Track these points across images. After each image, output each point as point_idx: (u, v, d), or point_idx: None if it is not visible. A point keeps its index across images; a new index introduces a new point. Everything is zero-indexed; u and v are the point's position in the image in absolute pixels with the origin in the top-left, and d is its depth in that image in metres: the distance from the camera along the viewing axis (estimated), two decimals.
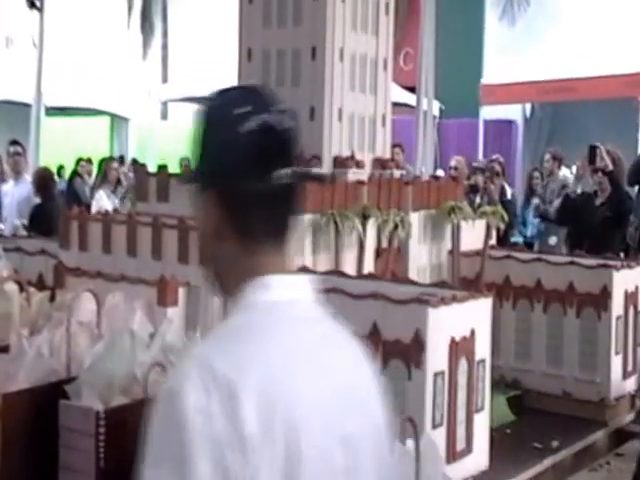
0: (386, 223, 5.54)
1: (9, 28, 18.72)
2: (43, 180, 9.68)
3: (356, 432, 1.67)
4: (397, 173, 6.09)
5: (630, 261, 5.95)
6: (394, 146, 8.28)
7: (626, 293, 5.65)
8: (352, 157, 5.73)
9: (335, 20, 5.64)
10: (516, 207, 10.98)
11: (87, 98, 17.55)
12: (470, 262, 6.04)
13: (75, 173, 13.89)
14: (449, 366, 4.14)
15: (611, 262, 5.73)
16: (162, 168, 5.64)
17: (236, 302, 1.70)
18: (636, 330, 5.80)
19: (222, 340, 1.65)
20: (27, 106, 13.76)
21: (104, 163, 12.47)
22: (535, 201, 11.23)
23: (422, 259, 5.97)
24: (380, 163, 5.98)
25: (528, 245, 9.96)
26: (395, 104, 7.48)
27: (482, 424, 4.40)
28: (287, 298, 1.69)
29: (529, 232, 11.20)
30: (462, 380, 4.23)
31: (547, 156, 11.61)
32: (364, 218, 5.42)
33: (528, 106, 17.54)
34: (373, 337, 4.12)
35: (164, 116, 20.66)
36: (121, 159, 14.58)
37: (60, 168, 15.58)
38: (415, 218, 5.85)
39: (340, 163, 5.66)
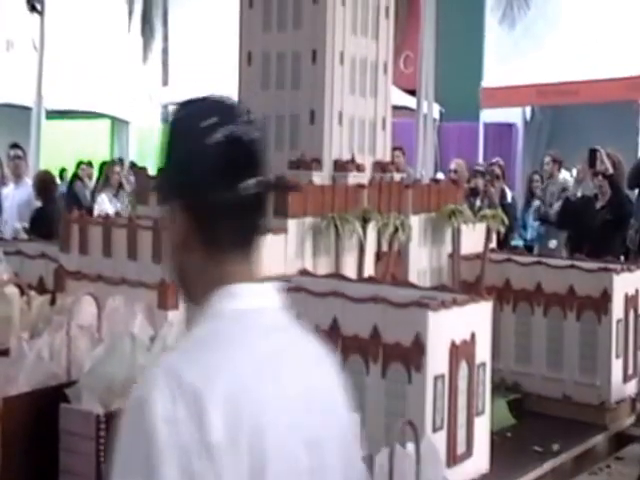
0: (386, 226, 5.54)
1: (10, 31, 18.70)
2: (44, 183, 9.67)
3: (322, 433, 1.70)
4: (397, 176, 6.09)
5: (630, 264, 5.95)
6: (394, 149, 8.29)
7: (626, 296, 5.65)
8: (352, 160, 5.73)
9: (335, 23, 5.64)
10: (516, 210, 10.96)
11: (88, 101, 17.56)
12: (470, 265, 6.05)
13: (75, 176, 13.90)
14: (449, 369, 4.14)
15: (611, 265, 5.72)
16: None
17: (203, 311, 1.71)
18: (636, 333, 5.80)
19: (190, 349, 1.66)
20: (27, 109, 13.74)
21: (105, 167, 12.44)
22: (535, 204, 11.23)
23: (422, 262, 5.98)
24: (380, 166, 5.99)
25: (528, 248, 9.98)
26: (395, 107, 7.48)
27: (482, 427, 4.40)
28: (254, 306, 1.71)
29: (529, 235, 11.20)
30: (462, 384, 4.22)
31: (547, 159, 11.62)
32: (364, 221, 5.42)
33: (528, 109, 17.52)
34: (373, 340, 4.13)
35: (164, 119, 20.65)
36: (120, 162, 14.56)
37: (62, 171, 15.59)
38: (415, 221, 5.86)
39: (340, 166, 5.66)
